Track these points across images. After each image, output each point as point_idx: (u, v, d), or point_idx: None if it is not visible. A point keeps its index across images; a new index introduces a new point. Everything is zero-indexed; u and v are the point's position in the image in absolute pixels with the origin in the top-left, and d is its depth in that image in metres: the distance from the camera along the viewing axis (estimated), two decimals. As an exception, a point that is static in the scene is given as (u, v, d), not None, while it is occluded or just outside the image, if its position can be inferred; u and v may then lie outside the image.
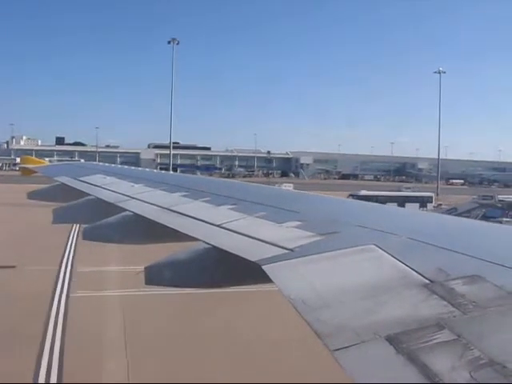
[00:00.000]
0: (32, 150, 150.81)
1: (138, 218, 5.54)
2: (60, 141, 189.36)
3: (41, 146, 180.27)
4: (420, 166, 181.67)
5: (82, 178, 8.62)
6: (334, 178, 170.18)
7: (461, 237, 3.56)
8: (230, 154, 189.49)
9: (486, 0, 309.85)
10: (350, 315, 2.43)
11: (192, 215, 5.02)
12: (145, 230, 5.48)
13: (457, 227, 4.08)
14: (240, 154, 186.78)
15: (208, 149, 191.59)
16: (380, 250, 3.15)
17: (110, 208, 6.12)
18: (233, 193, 6.10)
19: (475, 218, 41.20)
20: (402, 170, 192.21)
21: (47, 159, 23.58)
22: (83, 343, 16.18)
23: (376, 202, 6.19)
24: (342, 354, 2.11)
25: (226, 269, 3.99)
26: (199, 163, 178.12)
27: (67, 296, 21.47)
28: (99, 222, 5.85)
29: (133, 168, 13.30)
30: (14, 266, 25.87)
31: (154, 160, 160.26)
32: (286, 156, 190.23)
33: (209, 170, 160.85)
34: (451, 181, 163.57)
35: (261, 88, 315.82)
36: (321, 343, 2.22)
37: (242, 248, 3.71)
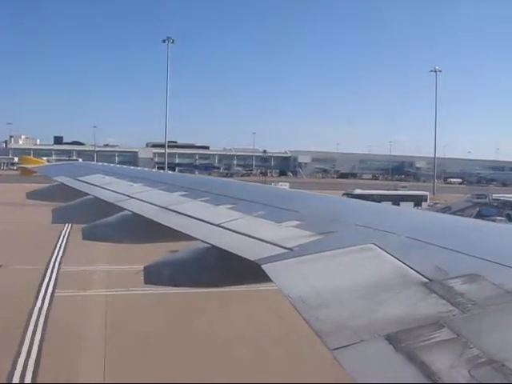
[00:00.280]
0: (30, 149, 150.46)
1: (136, 218, 5.54)
2: (58, 140, 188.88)
3: (39, 145, 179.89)
4: (418, 165, 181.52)
5: (80, 178, 8.62)
6: (332, 177, 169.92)
7: (460, 236, 3.56)
8: (228, 153, 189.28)
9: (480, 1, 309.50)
10: (349, 314, 2.44)
11: (191, 214, 5.03)
12: (144, 229, 5.49)
13: (455, 226, 4.08)
14: (238, 153, 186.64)
15: (206, 148, 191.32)
16: (379, 249, 3.16)
17: (109, 207, 6.13)
18: (232, 192, 6.10)
19: (469, 217, 41.22)
20: (400, 169, 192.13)
21: (45, 158, 23.60)
22: (62, 343, 16.18)
23: (370, 200, 6.18)
24: (342, 352, 2.12)
25: (225, 268, 4.00)
26: (197, 162, 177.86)
27: (51, 295, 21.38)
28: (98, 222, 5.85)
29: (131, 167, 13.30)
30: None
31: (152, 159, 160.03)
32: (285, 155, 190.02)
33: (207, 169, 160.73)
34: (449, 180, 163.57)
35: (260, 87, 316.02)
36: (320, 342, 2.23)
37: (242, 247, 3.71)
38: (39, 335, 16.92)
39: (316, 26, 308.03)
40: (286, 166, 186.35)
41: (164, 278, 4.40)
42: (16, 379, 13.70)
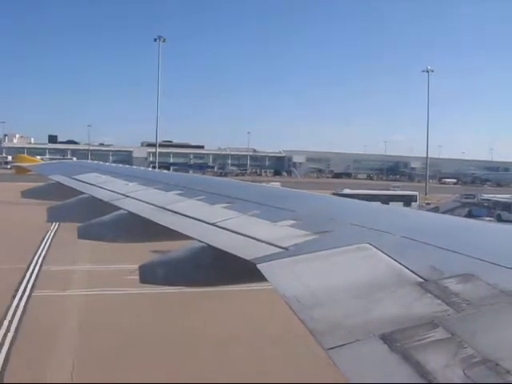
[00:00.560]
0: (24, 148, 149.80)
1: (132, 217, 5.54)
2: (53, 139, 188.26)
3: (33, 144, 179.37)
4: (413, 165, 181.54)
5: (76, 177, 8.61)
6: (327, 177, 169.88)
7: (455, 235, 3.57)
8: (222, 152, 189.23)
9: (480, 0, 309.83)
10: (344, 314, 2.44)
11: (186, 214, 5.02)
12: (139, 228, 5.48)
13: (451, 226, 4.09)
14: (233, 153, 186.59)
15: (201, 147, 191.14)
16: (374, 249, 3.17)
17: (105, 206, 6.13)
18: (227, 191, 6.09)
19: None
20: (395, 169, 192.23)
21: (39, 157, 23.55)
22: (34, 343, 16.11)
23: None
24: (337, 352, 2.12)
25: (220, 267, 4.00)
26: (192, 162, 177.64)
27: (28, 296, 21.27)
28: (94, 221, 5.85)
29: (127, 166, 13.30)
30: None
31: (147, 158, 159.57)
32: (279, 155, 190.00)
33: (201, 168, 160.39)
34: (444, 180, 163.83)
35: (256, 87, 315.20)
36: (315, 342, 2.24)
37: (237, 247, 3.72)
38: (11, 334, 16.88)
39: (312, 27, 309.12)
40: (280, 165, 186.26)
41: (159, 278, 4.40)
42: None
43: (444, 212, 49.84)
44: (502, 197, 63.21)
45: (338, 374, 1.99)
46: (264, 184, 13.26)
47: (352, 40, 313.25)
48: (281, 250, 3.43)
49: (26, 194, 9.42)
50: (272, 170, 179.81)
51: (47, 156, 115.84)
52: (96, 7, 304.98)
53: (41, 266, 26.67)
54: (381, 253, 3.09)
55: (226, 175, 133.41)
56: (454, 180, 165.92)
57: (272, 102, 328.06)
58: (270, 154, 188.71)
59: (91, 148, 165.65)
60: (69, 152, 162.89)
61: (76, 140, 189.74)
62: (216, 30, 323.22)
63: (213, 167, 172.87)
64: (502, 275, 2.59)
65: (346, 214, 4.60)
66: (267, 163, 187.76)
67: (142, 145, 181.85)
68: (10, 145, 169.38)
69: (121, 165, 15.49)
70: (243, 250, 3.60)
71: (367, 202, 5.72)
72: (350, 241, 3.39)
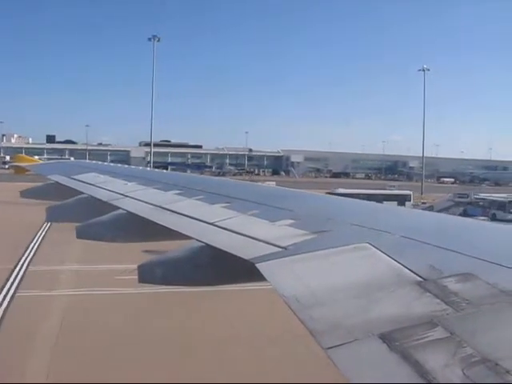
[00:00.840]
0: (22, 147, 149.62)
1: (131, 217, 5.54)
2: (51, 139, 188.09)
3: (31, 143, 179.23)
4: (411, 165, 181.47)
5: (75, 177, 8.60)
6: (325, 177, 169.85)
7: (454, 235, 3.58)
8: (220, 152, 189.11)
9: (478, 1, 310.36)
10: (343, 313, 2.44)
11: (185, 213, 5.02)
12: (138, 228, 5.48)
13: (450, 225, 4.10)
14: (230, 153, 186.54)
15: (199, 147, 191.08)
16: (373, 248, 3.17)
17: (104, 206, 6.12)
18: (226, 191, 6.09)
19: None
20: (393, 169, 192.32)
21: (36, 157, 23.54)
22: (12, 343, 16.02)
23: None
24: (336, 351, 2.12)
25: (219, 267, 4.00)
26: (190, 161, 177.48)
27: (12, 296, 21.12)
28: (92, 220, 5.84)
29: (126, 166, 13.28)
30: None
31: (144, 158, 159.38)
32: (277, 154, 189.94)
33: (199, 168, 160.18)
34: (442, 179, 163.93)
35: (255, 87, 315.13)
36: (315, 341, 2.24)
37: (236, 246, 3.72)
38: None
39: (310, 27, 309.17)
40: (278, 165, 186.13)
41: (157, 277, 4.40)
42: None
43: (438, 211, 49.94)
44: (496, 196, 63.34)
45: (337, 373, 1.99)
46: (259, 183, 13.25)
47: (351, 40, 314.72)
48: (280, 249, 3.43)
49: (25, 193, 9.41)
50: (270, 170, 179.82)
51: (45, 156, 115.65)
52: (95, 7, 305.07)
53: (28, 265, 26.52)
54: (380, 252, 3.09)
55: (223, 175, 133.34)
56: (452, 179, 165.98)
57: (271, 101, 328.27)
58: (268, 154, 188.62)
59: (89, 148, 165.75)
60: (67, 152, 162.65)
61: (74, 140, 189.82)
62: (215, 29, 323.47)
63: (211, 167, 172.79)
64: (502, 275, 2.59)
65: (344, 213, 4.61)
66: (265, 163, 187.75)
67: (140, 144, 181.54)
68: (8, 145, 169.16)
69: (120, 164, 15.47)
70: (242, 249, 3.60)
71: (366, 202, 5.73)
72: (349, 240, 3.39)
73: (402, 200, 66.00)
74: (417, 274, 2.69)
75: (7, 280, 23.22)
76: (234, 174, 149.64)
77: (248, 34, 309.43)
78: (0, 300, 20.33)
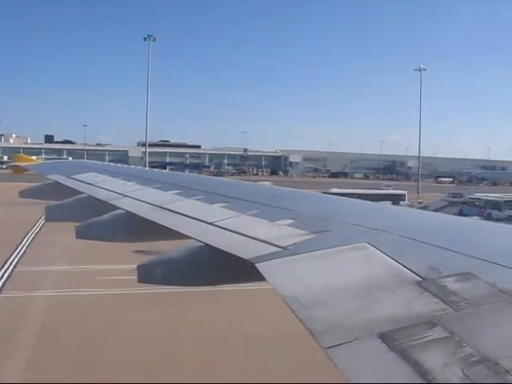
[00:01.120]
0: (20, 147, 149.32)
1: (130, 216, 5.54)
2: (49, 139, 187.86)
3: (29, 143, 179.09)
4: (409, 165, 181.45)
5: (74, 176, 8.59)
6: (324, 177, 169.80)
7: (453, 234, 3.58)
8: (219, 152, 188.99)
9: (477, 0, 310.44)
10: (343, 313, 2.45)
11: (185, 213, 5.03)
12: (137, 228, 5.48)
13: (449, 225, 4.10)
14: (229, 153, 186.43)
15: (198, 147, 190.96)
16: (373, 248, 3.17)
17: (103, 206, 6.12)
18: (226, 191, 6.09)
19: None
20: (391, 169, 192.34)
21: (34, 157, 23.42)
22: None
23: None
24: (335, 351, 2.12)
25: (219, 267, 4.00)
26: (188, 161, 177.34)
27: None
28: (92, 220, 5.84)
29: (125, 166, 13.27)
30: None
31: (142, 158, 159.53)
32: (275, 154, 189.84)
33: (197, 168, 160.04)
34: (440, 179, 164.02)
35: (254, 87, 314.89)
36: (314, 341, 2.24)
37: (235, 246, 3.72)
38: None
39: (309, 26, 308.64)
40: (277, 165, 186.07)
41: (157, 277, 4.40)
42: None
43: (433, 211, 50.00)
44: (491, 196, 63.43)
45: (337, 373, 1.99)
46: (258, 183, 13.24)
47: (349, 40, 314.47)
48: (279, 249, 3.43)
49: (24, 193, 9.40)
50: (268, 170, 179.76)
51: (43, 156, 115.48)
52: (94, 6, 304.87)
53: (15, 266, 26.40)
54: (379, 252, 3.10)
55: (221, 175, 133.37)
56: (451, 179, 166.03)
57: (270, 101, 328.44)
58: (266, 154, 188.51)
59: (87, 148, 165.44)
60: (64, 152, 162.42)
61: (73, 140, 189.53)
62: (214, 29, 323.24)
63: (209, 167, 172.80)
64: (501, 274, 2.60)
65: (344, 213, 4.61)
66: (264, 163, 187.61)
67: (138, 144, 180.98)
68: (6, 145, 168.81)
69: (119, 164, 15.47)
70: (242, 249, 3.60)
71: (366, 201, 5.72)
72: (348, 240, 3.39)
73: (396, 200, 65.91)
74: (416, 274, 2.69)
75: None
76: (232, 174, 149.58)
77: (247, 34, 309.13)
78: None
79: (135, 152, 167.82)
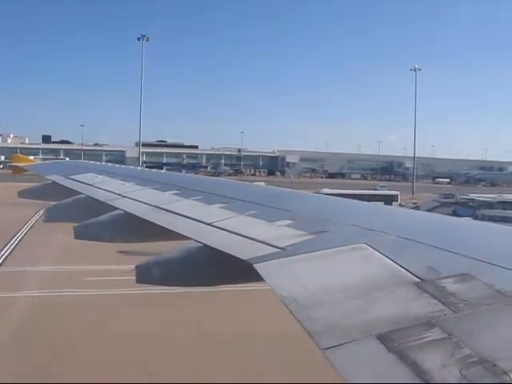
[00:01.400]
0: (17, 147, 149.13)
1: (129, 217, 5.54)
2: (47, 139, 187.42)
3: (27, 144, 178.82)
4: (407, 165, 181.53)
5: (73, 177, 8.59)
6: (321, 177, 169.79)
7: (451, 235, 3.59)
8: (216, 152, 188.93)
9: (477, 0, 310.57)
10: (341, 314, 2.45)
11: (183, 213, 5.02)
12: (136, 228, 5.48)
13: (447, 226, 4.11)
14: (226, 153, 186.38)
15: (195, 147, 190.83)
16: (371, 249, 3.18)
17: (102, 206, 6.12)
18: (224, 191, 6.09)
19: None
20: (389, 169, 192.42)
21: (32, 157, 23.38)
22: None
23: None
24: (333, 352, 2.13)
25: (217, 267, 4.00)
26: (185, 161, 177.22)
27: None
28: (90, 221, 5.84)
29: (124, 166, 13.25)
30: None
31: (139, 158, 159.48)
32: (273, 154, 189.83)
33: (195, 168, 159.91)
34: (437, 180, 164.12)
35: (252, 87, 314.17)
36: (312, 342, 2.25)
37: (234, 247, 3.72)
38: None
39: (307, 27, 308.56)
40: (274, 165, 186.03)
41: (155, 278, 4.40)
42: None
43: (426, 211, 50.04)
44: (484, 196, 63.62)
45: (335, 374, 2.00)
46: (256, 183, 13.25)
47: (348, 40, 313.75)
48: (278, 250, 3.43)
49: (23, 193, 9.39)
50: (266, 170, 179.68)
51: (40, 156, 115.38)
52: (94, 6, 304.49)
53: None
54: (377, 253, 3.10)
55: (218, 175, 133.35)
56: (448, 180, 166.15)
57: (267, 101, 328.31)
58: (263, 154, 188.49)
59: (84, 148, 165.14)
60: (62, 152, 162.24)
61: (71, 140, 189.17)
62: (213, 29, 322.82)
63: (206, 167, 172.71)
64: (499, 275, 2.60)
65: (342, 213, 4.61)
66: (261, 163, 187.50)
67: (136, 145, 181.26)
68: (3, 145, 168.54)
69: (117, 165, 15.46)
70: (240, 249, 3.60)
71: (364, 202, 5.72)
72: (346, 241, 3.39)
73: (388, 200, 65.86)
74: (414, 275, 2.70)
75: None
76: (229, 174, 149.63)
77: (246, 34, 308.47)
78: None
79: (132, 152, 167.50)
